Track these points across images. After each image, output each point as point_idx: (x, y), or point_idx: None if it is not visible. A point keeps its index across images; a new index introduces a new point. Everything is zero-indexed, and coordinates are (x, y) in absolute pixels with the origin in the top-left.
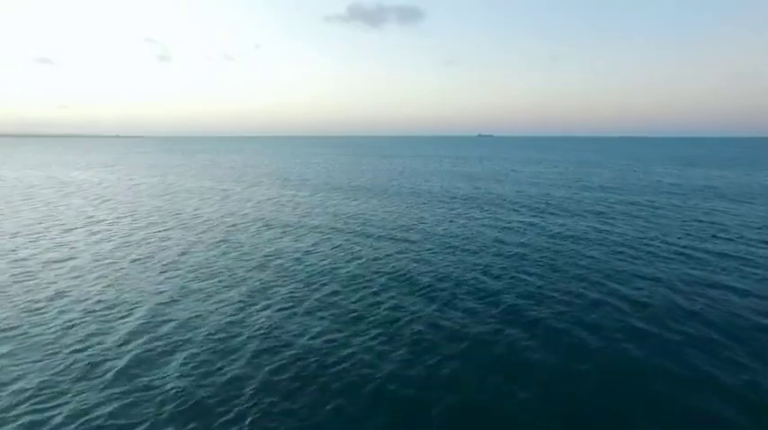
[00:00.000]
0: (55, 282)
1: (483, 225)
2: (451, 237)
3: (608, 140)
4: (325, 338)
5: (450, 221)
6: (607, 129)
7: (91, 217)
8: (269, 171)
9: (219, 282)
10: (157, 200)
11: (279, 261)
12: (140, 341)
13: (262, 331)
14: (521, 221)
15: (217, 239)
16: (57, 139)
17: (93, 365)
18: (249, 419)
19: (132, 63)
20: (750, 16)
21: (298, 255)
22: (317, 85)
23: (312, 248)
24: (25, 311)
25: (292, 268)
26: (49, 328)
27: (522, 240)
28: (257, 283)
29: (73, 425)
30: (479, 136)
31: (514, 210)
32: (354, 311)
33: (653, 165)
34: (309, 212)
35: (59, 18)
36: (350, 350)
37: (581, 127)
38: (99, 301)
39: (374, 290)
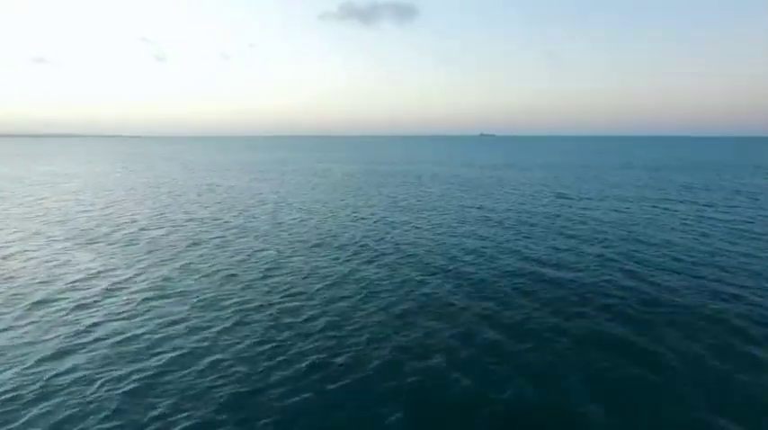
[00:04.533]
0: None
1: None
2: None
3: (617, 140)
4: None
5: None
6: (607, 129)
7: None
8: (154, 201)
9: None
10: None
11: None
12: None
13: None
14: None
15: None
16: (49, 139)
17: None
18: None
19: (129, 63)
20: (754, 11)
21: None
22: (314, 85)
23: None
24: None
25: None
26: None
27: None
28: None
29: None
30: (481, 135)
31: None
32: None
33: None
34: None
35: (54, 17)
36: None
37: (584, 126)
38: None
39: None
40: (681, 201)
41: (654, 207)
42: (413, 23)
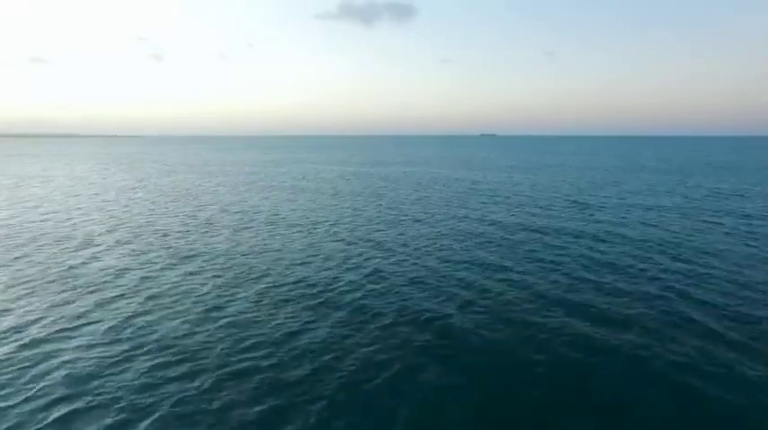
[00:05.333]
0: None
1: None
2: None
3: (618, 140)
4: None
5: None
6: (608, 129)
7: None
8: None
9: None
10: None
11: None
12: None
13: None
14: None
15: None
16: (46, 140)
17: None
18: None
19: (126, 62)
20: (754, 9)
21: None
22: (313, 85)
23: None
24: None
25: None
26: None
27: None
28: None
29: None
30: (482, 135)
31: None
32: None
33: None
34: None
35: (50, 16)
36: None
37: (584, 126)
38: None
39: None
40: (714, 211)
41: (684, 218)
42: (412, 23)
